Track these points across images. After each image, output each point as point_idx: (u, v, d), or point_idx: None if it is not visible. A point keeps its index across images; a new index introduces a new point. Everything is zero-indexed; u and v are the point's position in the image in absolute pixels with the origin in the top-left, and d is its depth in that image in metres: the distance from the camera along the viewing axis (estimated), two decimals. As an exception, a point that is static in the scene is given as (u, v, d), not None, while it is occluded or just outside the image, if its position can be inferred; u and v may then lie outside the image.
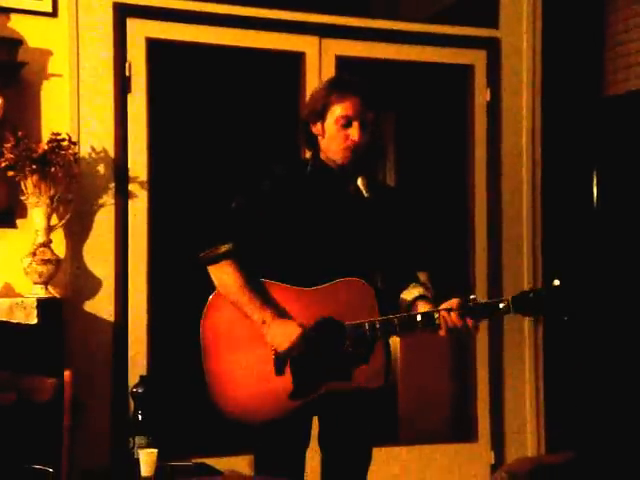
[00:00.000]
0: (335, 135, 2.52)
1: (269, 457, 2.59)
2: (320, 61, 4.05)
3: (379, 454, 4.02)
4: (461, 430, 4.39)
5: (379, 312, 2.47)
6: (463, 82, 4.35)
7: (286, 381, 2.46)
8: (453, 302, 2.44)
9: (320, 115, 2.55)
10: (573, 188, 4.29)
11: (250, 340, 2.48)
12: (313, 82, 4.02)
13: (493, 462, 4.24)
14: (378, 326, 2.42)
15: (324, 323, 2.45)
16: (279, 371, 2.46)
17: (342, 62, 4.08)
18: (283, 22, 3.97)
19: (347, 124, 2.51)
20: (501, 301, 2.45)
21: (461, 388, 4.47)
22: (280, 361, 2.46)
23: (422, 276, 4.76)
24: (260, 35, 3.96)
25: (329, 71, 4.04)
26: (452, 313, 2.42)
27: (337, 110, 2.51)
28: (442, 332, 2.43)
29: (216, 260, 2.52)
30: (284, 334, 2.43)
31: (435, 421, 4.51)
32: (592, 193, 4.26)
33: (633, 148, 4.05)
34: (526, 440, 4.28)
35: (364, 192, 2.56)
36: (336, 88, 2.56)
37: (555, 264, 4.29)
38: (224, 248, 2.50)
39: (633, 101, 4.06)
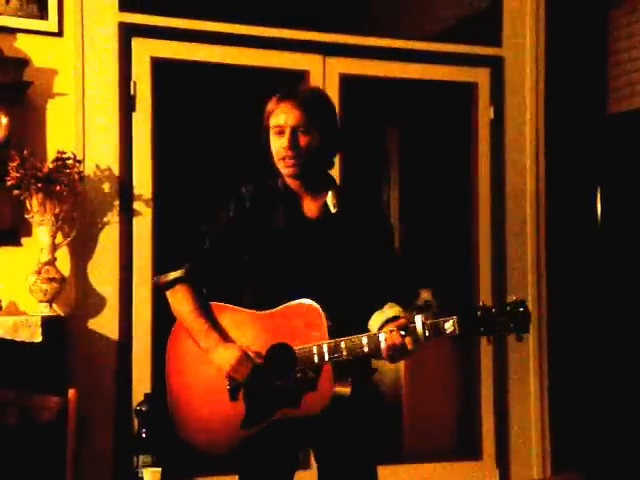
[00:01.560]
0: (274, 146, 2.38)
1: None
2: (324, 79, 4.07)
3: (383, 472, 3.98)
4: (466, 448, 4.37)
5: (331, 335, 2.29)
6: (467, 99, 4.37)
7: (239, 408, 2.36)
8: (398, 323, 2.26)
9: (266, 129, 2.41)
10: (577, 205, 4.29)
11: (209, 365, 2.39)
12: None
13: (498, 480, 4.22)
14: (325, 350, 2.27)
15: (275, 349, 2.34)
16: (233, 397, 2.36)
17: (346, 80, 4.10)
18: (287, 41, 4.00)
19: (280, 132, 2.35)
20: (447, 320, 2.24)
21: (466, 406, 4.46)
22: (233, 387, 2.37)
23: (425, 293, 4.80)
24: (264, 54, 3.98)
25: (333, 89, 4.06)
26: (393, 332, 2.23)
27: (272, 119, 2.37)
28: (383, 353, 2.25)
29: (169, 285, 2.46)
30: (224, 358, 2.34)
31: (440, 439, 4.49)
32: (596, 211, 4.25)
33: (636, 165, 4.06)
34: (531, 458, 4.26)
35: (331, 207, 2.41)
36: (277, 98, 2.39)
37: (559, 281, 4.28)
38: (175, 274, 2.44)
39: (636, 119, 4.06)
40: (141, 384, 3.68)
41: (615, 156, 4.17)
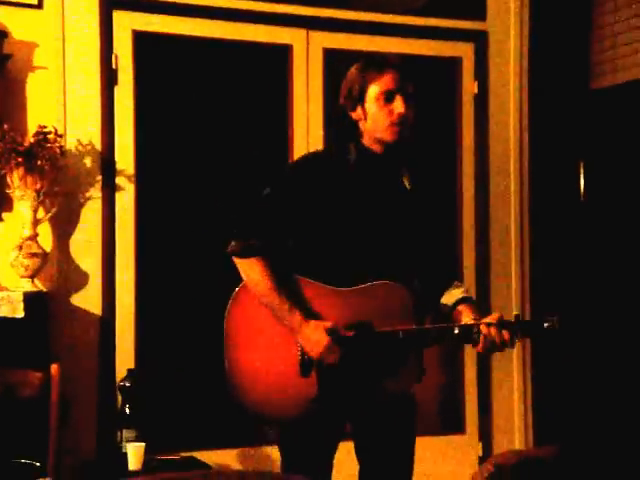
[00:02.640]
0: (379, 113, 2.39)
1: (295, 456, 2.47)
2: (307, 54, 4.04)
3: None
4: (449, 422, 4.40)
5: (415, 318, 2.35)
6: (451, 74, 4.35)
7: (310, 384, 2.35)
8: (494, 316, 2.32)
9: (359, 98, 2.41)
10: (561, 180, 4.30)
11: (276, 337, 2.37)
12: (301, 74, 4.02)
13: (481, 454, 4.26)
14: (413, 335, 2.31)
15: (357, 328, 2.32)
16: (305, 373, 2.34)
17: (329, 54, 4.07)
18: (270, 15, 3.96)
19: (389, 99, 2.38)
20: (546, 320, 2.33)
21: (449, 380, 4.48)
22: (306, 363, 2.35)
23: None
24: (247, 28, 3.94)
25: (317, 64, 4.04)
26: (492, 328, 2.28)
27: (376, 88, 2.39)
28: (479, 348, 2.31)
29: (245, 255, 2.39)
30: (311, 343, 2.32)
31: (423, 413, 4.51)
32: (579, 185, 4.27)
33: (619, 140, 4.07)
34: (514, 432, 4.30)
35: (407, 184, 2.46)
36: (370, 67, 2.43)
37: (543, 255, 4.30)
38: (254, 243, 2.38)
39: (620, 94, 4.07)
40: (124, 359, 3.67)
41: (598, 131, 4.17)
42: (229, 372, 2.43)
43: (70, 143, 3.60)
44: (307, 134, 4.03)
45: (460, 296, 2.47)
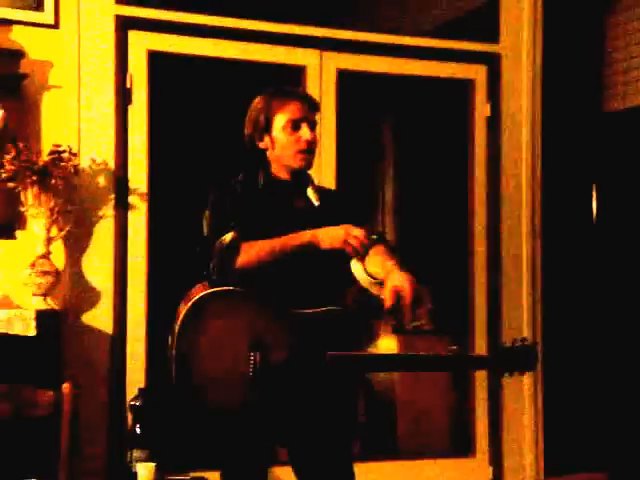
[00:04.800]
0: (287, 141, 2.50)
1: (233, 475, 2.52)
2: (321, 74, 4.06)
3: (379, 469, 4.04)
4: (460, 445, 4.38)
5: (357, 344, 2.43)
6: (464, 96, 4.36)
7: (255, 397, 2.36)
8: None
9: (265, 128, 2.53)
10: (573, 203, 4.29)
11: (234, 351, 2.36)
12: (314, 95, 3.98)
13: (491, 477, 4.23)
14: (361, 361, 2.38)
15: (303, 350, 2.37)
16: (254, 388, 2.35)
17: (343, 75, 4.08)
18: (284, 35, 3.98)
19: (295, 127, 2.50)
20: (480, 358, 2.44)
21: (460, 403, 4.47)
22: (255, 378, 2.36)
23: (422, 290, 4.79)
24: (261, 48, 3.96)
25: (330, 84, 4.05)
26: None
27: (283, 117, 2.50)
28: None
29: (235, 249, 2.42)
30: (333, 232, 2.37)
31: (434, 436, 4.49)
32: (592, 208, 4.26)
33: (632, 163, 4.06)
34: (524, 455, 4.27)
35: (314, 201, 2.52)
36: (275, 97, 2.54)
37: (555, 279, 4.29)
38: (230, 236, 2.41)
39: (631, 117, 4.07)
40: (135, 379, 3.67)
41: (611, 154, 4.17)
42: (182, 372, 2.40)
43: (84, 162, 3.62)
44: (320, 154, 4.02)
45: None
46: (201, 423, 2.43)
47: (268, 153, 2.56)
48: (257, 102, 2.58)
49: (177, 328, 2.41)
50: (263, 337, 2.37)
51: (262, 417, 2.37)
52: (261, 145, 2.56)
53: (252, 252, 2.42)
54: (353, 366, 2.37)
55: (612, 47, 4.22)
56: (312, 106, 2.56)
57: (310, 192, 2.54)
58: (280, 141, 2.51)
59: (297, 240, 2.42)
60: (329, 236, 2.39)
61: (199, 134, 3.98)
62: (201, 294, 2.39)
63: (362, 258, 2.42)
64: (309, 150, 2.51)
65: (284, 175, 2.56)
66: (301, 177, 2.56)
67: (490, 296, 4.28)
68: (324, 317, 2.41)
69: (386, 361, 2.50)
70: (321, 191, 2.61)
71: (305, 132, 2.50)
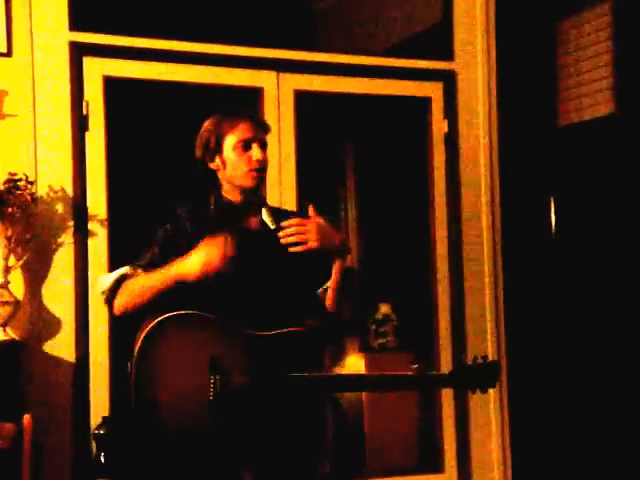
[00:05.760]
0: (237, 161, 2.52)
1: None
2: (278, 95, 4.07)
3: (347, 489, 4.02)
4: (428, 462, 4.38)
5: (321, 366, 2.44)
6: (421, 114, 4.40)
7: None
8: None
9: (216, 149, 2.54)
10: (532, 217, 4.34)
11: (193, 375, 2.35)
12: (272, 116, 4.04)
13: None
14: (322, 382, 2.39)
15: (264, 372, 2.36)
16: (214, 410, 2.32)
17: (300, 96, 4.10)
18: (241, 58, 4.00)
19: (246, 147, 2.52)
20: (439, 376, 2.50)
21: (427, 420, 4.47)
22: (216, 401, 2.34)
23: (385, 307, 4.81)
24: (218, 71, 3.97)
25: (288, 105, 4.07)
26: None
27: (233, 137, 2.52)
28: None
29: (116, 287, 2.47)
30: (199, 258, 2.36)
31: (402, 454, 4.49)
32: (550, 221, 4.30)
33: (586, 176, 4.12)
34: (493, 470, 4.28)
35: (270, 224, 2.52)
36: (225, 118, 2.56)
37: (517, 293, 4.33)
38: (119, 272, 2.48)
39: (585, 131, 4.13)
40: (99, 407, 3.62)
41: (567, 167, 4.23)
42: (140, 402, 2.37)
43: (41, 189, 3.59)
44: (280, 175, 4.05)
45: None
46: (162, 451, 2.39)
47: (220, 174, 2.57)
48: (207, 124, 2.59)
49: (135, 355, 2.39)
50: (222, 360, 2.35)
51: (224, 442, 2.35)
52: (212, 166, 2.57)
53: (133, 289, 2.44)
54: (314, 387, 2.37)
55: (565, 62, 4.29)
56: (262, 127, 2.58)
57: (265, 214, 2.55)
58: (231, 161, 2.53)
59: (164, 276, 2.39)
60: (200, 261, 2.36)
61: (158, 158, 3.96)
62: (157, 320, 2.37)
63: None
64: (260, 169, 2.53)
65: (235, 197, 2.57)
66: (254, 198, 2.57)
67: (454, 312, 4.30)
68: (284, 339, 2.40)
69: (347, 382, 2.50)
70: (279, 213, 2.62)
71: (256, 152, 2.52)
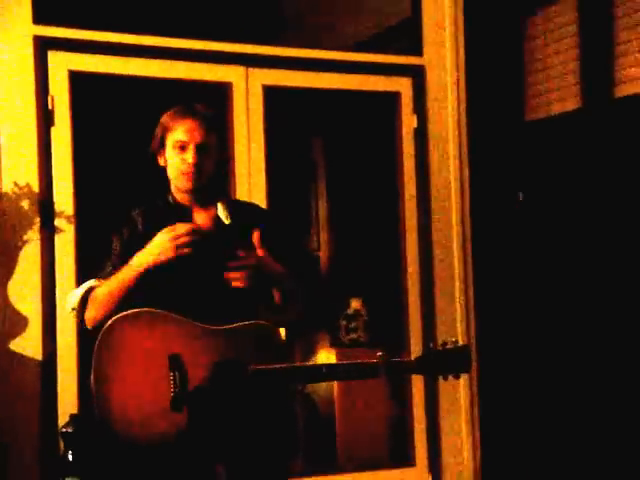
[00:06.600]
0: (173, 161, 2.46)
1: None
2: (247, 91, 4.05)
3: (318, 484, 4.03)
4: (399, 455, 4.39)
5: (287, 356, 2.41)
6: (390, 109, 4.41)
7: (181, 419, 2.31)
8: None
9: (161, 143, 2.49)
10: (500, 209, 4.36)
11: (148, 372, 2.32)
12: (240, 112, 4.02)
13: (431, 487, 4.25)
14: (283, 374, 2.33)
15: (225, 365, 2.33)
16: (176, 408, 2.30)
17: (269, 91, 4.09)
18: (209, 53, 3.97)
19: (183, 148, 2.44)
20: (404, 362, 2.37)
21: (398, 413, 4.48)
22: (177, 398, 2.31)
23: (355, 302, 4.82)
24: (186, 66, 3.95)
25: (257, 100, 4.06)
26: None
27: (172, 137, 2.45)
28: None
29: (85, 301, 2.45)
30: (159, 242, 2.34)
31: (373, 447, 4.50)
32: (518, 214, 4.33)
33: (553, 171, 4.15)
34: (462, 462, 4.30)
35: (224, 219, 2.49)
36: (174, 113, 2.49)
37: (486, 283, 4.35)
38: (86, 285, 2.46)
39: (553, 125, 4.16)
40: (67, 405, 3.58)
41: (534, 162, 4.25)
42: (100, 405, 2.34)
43: (6, 186, 3.55)
44: (249, 171, 4.03)
45: None
46: (124, 451, 2.37)
47: (168, 172, 2.51)
48: (162, 117, 2.52)
49: (93, 356, 2.37)
50: (181, 356, 2.33)
51: (192, 437, 2.33)
52: (160, 162, 2.52)
53: (100, 298, 2.42)
54: (276, 379, 2.35)
55: (532, 57, 4.32)
56: (208, 126, 2.46)
57: (220, 209, 2.51)
58: (169, 159, 2.48)
59: (132, 272, 2.37)
60: (150, 253, 2.35)
61: (125, 153, 3.93)
62: (112, 319, 2.35)
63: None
64: (193, 172, 2.43)
65: (182, 197, 2.50)
66: (206, 196, 2.50)
67: (424, 304, 4.31)
68: (242, 331, 2.37)
69: (311, 371, 2.44)
70: (240, 207, 2.58)
71: (188, 155, 2.42)
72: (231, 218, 2.50)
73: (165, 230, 2.37)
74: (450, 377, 2.37)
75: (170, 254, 2.35)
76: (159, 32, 3.87)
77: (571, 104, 4.07)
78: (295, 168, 5.16)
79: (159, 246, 2.36)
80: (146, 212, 2.53)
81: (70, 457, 3.30)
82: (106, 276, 2.46)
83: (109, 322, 2.35)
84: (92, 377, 2.34)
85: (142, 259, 2.37)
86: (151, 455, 2.35)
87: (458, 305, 4.33)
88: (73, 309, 2.50)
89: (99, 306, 2.43)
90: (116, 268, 2.45)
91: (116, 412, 2.32)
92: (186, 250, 2.35)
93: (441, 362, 2.36)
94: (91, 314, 2.45)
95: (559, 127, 4.12)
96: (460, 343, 2.38)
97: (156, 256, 2.36)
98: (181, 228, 2.36)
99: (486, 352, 4.29)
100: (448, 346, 2.35)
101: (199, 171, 2.44)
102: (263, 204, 3.89)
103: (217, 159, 2.50)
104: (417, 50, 4.39)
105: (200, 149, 2.44)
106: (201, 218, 2.52)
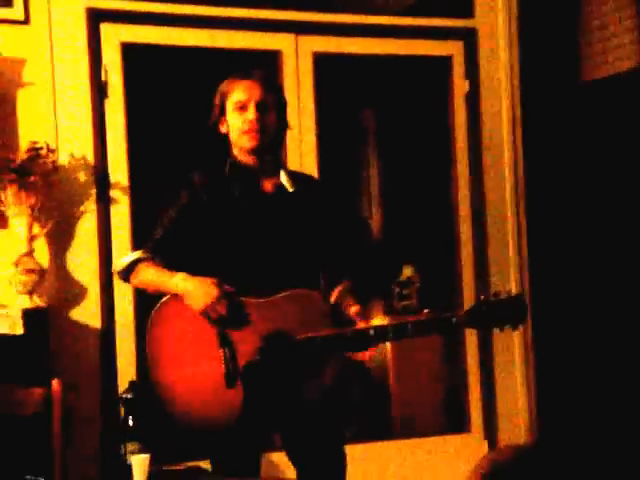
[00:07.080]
0: (235, 122, 2.50)
1: (222, 467, 2.55)
2: (297, 58, 4.04)
3: (373, 449, 4.05)
4: (454, 421, 4.39)
5: (334, 323, 2.38)
6: (442, 74, 4.35)
7: (236, 395, 2.36)
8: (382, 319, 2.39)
9: (222, 110, 2.53)
10: (556, 176, 4.29)
11: (200, 352, 2.38)
12: (291, 79, 4.02)
13: (487, 452, 4.24)
14: (330, 340, 2.33)
15: (272, 338, 2.35)
16: (230, 384, 2.36)
17: (319, 58, 4.07)
18: (258, 21, 3.96)
19: (243, 108, 2.49)
20: (452, 316, 2.31)
21: (453, 380, 4.48)
22: (231, 375, 2.36)
23: (408, 269, 4.80)
24: (236, 35, 3.94)
25: (306, 68, 4.04)
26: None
27: (232, 99, 2.50)
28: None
29: (129, 270, 2.51)
30: (202, 292, 2.35)
31: (428, 414, 4.51)
32: (574, 176, 4.25)
33: (609, 132, 4.05)
34: (518, 428, 4.28)
35: (288, 187, 2.50)
36: (231, 79, 2.54)
37: (540, 256, 4.29)
38: (132, 256, 2.51)
39: (611, 85, 4.06)
40: (126, 372, 3.66)
41: (591, 123, 4.16)
42: (156, 389, 2.48)
43: (63, 158, 3.60)
44: (300, 140, 4.02)
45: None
46: (179, 420, 2.42)
47: (229, 137, 2.55)
48: (219, 87, 2.57)
49: (147, 329, 2.43)
50: (229, 332, 2.36)
51: (245, 412, 2.36)
52: (222, 129, 2.55)
53: (142, 279, 2.51)
54: (324, 345, 2.34)
55: (588, 16, 4.21)
56: (266, 86, 2.51)
57: (283, 176, 2.53)
58: (231, 122, 2.51)
59: (168, 286, 2.42)
60: (197, 292, 2.36)
61: (177, 124, 3.96)
62: (160, 302, 2.40)
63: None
64: (255, 130, 2.46)
65: (247, 159, 2.53)
66: (269, 159, 2.53)
67: (476, 262, 4.25)
68: (286, 301, 2.37)
69: (358, 335, 2.38)
70: (297, 176, 2.60)
71: (250, 112, 2.46)
72: (294, 186, 2.50)
73: (209, 285, 2.35)
74: (507, 326, 2.27)
75: (201, 310, 2.37)
76: (208, 2, 3.87)
77: (628, 64, 3.96)
78: (345, 136, 5.14)
79: (196, 297, 2.36)
80: (209, 175, 2.55)
81: (130, 422, 3.37)
82: (154, 251, 2.49)
83: (158, 304, 2.42)
84: (146, 352, 2.42)
85: (181, 286, 2.39)
86: (207, 430, 2.40)
87: (512, 269, 4.28)
88: (118, 273, 2.59)
89: (145, 284, 2.53)
90: (166, 241, 2.47)
91: (168, 392, 2.44)
92: (215, 316, 2.36)
93: (494, 313, 2.26)
94: (137, 283, 2.57)
95: (615, 88, 4.02)
96: (513, 293, 2.31)
97: (190, 298, 2.38)
98: (219, 302, 2.35)
99: (542, 313, 4.23)
100: (501, 296, 2.27)
101: (262, 128, 2.47)
102: (314, 173, 3.89)
103: (277, 121, 2.53)
104: (468, 12, 4.31)
105: (260, 107, 2.47)
106: (266, 183, 2.54)
